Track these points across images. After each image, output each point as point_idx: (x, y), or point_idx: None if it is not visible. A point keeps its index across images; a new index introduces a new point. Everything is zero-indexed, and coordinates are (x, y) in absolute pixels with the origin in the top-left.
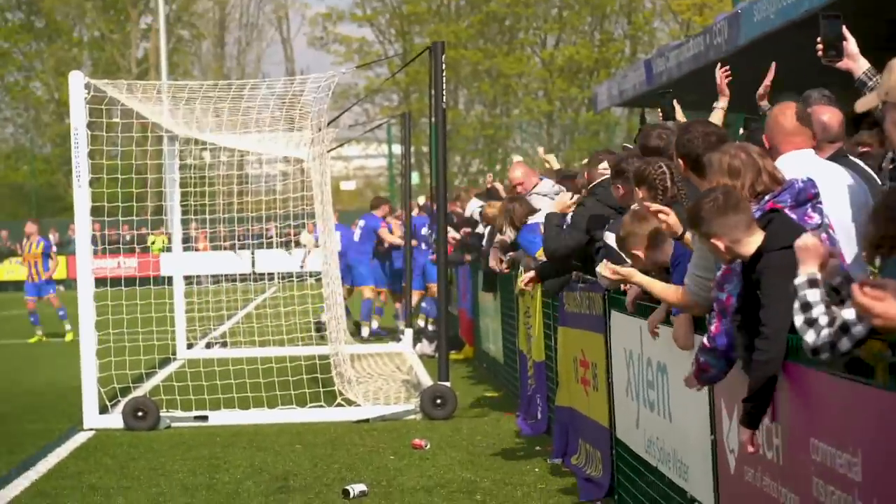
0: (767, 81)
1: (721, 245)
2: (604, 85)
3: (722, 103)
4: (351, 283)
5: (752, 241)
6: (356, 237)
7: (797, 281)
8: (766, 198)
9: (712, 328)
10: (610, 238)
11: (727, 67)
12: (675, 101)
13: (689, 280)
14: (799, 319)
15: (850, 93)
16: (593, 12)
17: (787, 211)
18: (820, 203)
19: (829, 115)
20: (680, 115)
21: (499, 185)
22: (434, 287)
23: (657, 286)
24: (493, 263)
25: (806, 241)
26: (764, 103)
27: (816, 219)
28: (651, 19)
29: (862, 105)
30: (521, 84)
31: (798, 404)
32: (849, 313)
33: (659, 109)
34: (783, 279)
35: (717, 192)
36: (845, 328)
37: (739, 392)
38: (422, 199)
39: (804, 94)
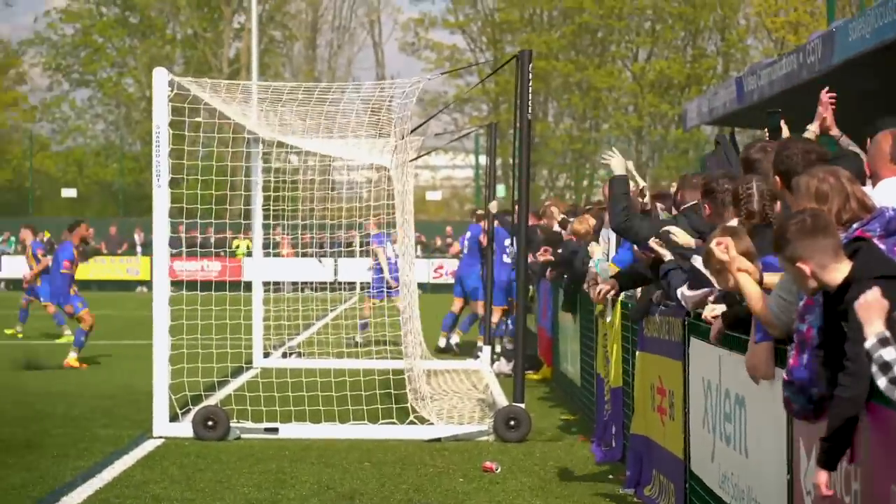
0: (825, 113)
1: (807, 269)
2: (694, 102)
3: (814, 127)
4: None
5: (840, 269)
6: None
7: (868, 344)
8: (855, 226)
9: (791, 360)
10: (698, 261)
11: (833, 94)
12: (782, 121)
13: (772, 300)
14: (882, 382)
15: None
16: (686, 27)
17: (875, 241)
18: None
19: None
20: (787, 134)
21: (553, 208)
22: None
23: (749, 284)
24: (593, 295)
25: (867, 298)
26: (834, 132)
27: None
28: (744, 36)
29: None
30: (611, 98)
31: (880, 447)
32: None
33: (766, 129)
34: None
35: (806, 213)
36: None
37: (819, 430)
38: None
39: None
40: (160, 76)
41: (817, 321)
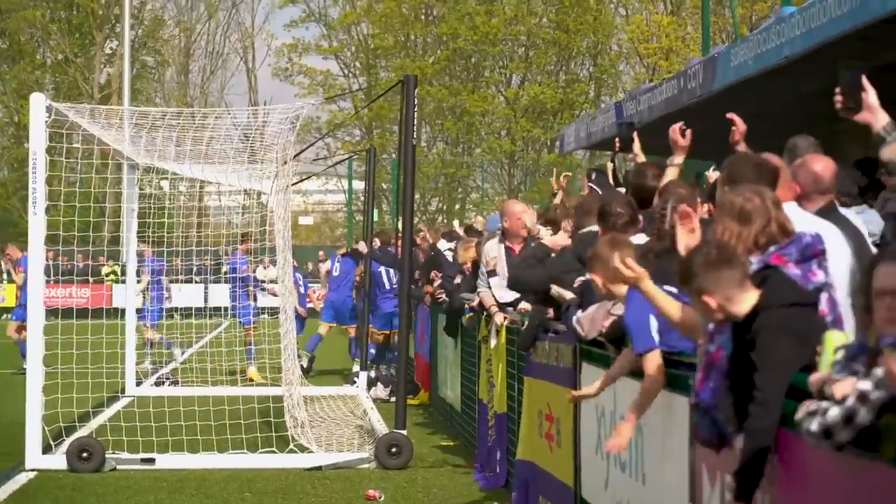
0: (741, 126)
1: (713, 303)
2: (571, 127)
3: (678, 160)
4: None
5: (747, 300)
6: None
7: (798, 416)
8: (771, 249)
9: (697, 384)
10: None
11: (682, 123)
12: (635, 133)
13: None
14: (814, 425)
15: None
16: (560, 53)
17: (791, 265)
18: (826, 261)
19: (822, 166)
20: (637, 147)
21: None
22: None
23: (660, 296)
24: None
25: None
26: (741, 147)
27: (821, 276)
28: (617, 62)
29: (890, 153)
30: (484, 123)
31: (791, 478)
32: (865, 384)
33: (616, 139)
34: (780, 340)
35: (710, 245)
36: (864, 398)
37: (722, 458)
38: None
39: (790, 143)
40: (37, 102)
41: (728, 344)
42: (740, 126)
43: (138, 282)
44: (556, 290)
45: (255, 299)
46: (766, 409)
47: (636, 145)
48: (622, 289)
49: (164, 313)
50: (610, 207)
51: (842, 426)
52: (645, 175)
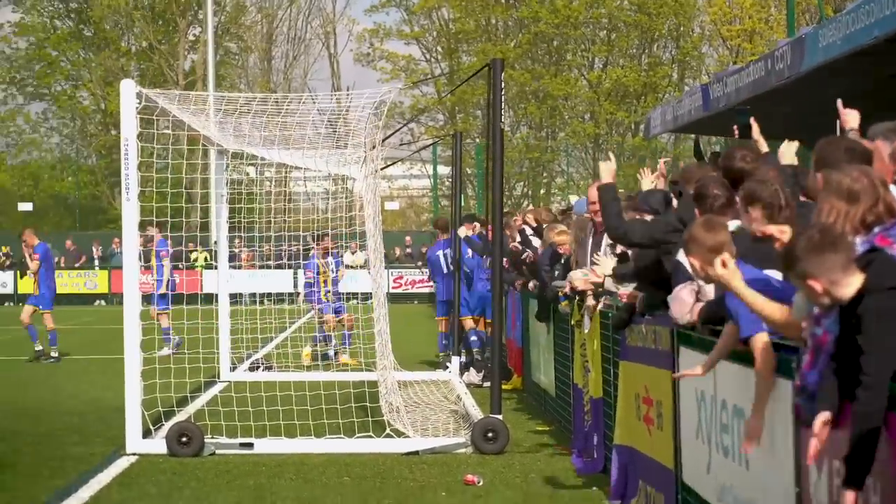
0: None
1: (818, 287)
2: (657, 110)
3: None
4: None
5: (852, 283)
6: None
7: None
8: (876, 230)
9: (804, 365)
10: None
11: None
12: (752, 119)
13: (799, 297)
14: None
15: None
16: (642, 36)
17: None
18: None
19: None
20: (757, 133)
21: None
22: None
23: (759, 300)
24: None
25: None
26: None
27: None
28: (700, 45)
29: None
30: (567, 106)
31: None
32: None
33: (734, 127)
34: (887, 323)
35: (814, 229)
36: None
37: (830, 443)
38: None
39: (870, 130)
40: (128, 88)
41: (834, 328)
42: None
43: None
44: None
45: (334, 284)
46: (874, 392)
47: (755, 131)
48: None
49: (170, 298)
50: (707, 189)
51: None
52: (733, 157)
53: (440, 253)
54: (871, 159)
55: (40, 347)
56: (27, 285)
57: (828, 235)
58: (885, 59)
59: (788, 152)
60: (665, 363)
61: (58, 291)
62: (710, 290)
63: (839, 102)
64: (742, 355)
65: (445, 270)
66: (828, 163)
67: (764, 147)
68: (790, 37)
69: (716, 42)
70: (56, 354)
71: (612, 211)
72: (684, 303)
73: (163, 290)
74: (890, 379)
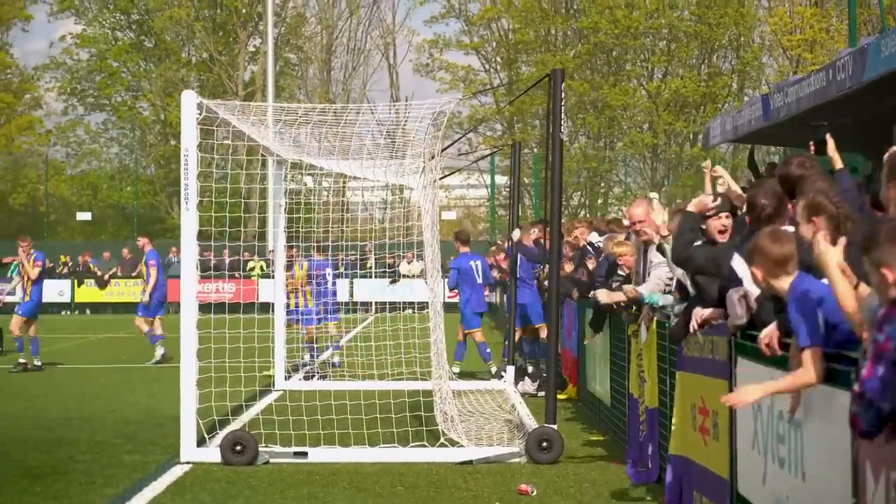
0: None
1: (890, 276)
2: (717, 119)
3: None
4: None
5: None
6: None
7: None
8: None
9: (864, 371)
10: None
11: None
12: (828, 135)
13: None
14: None
15: None
16: (702, 46)
17: None
18: None
19: None
20: (832, 149)
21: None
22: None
23: (786, 382)
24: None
25: None
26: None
27: None
28: (760, 55)
29: None
30: (626, 116)
31: None
32: None
33: (811, 143)
34: None
35: None
36: None
37: (887, 454)
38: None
39: None
40: (189, 99)
41: None
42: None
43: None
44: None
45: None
46: None
47: (831, 147)
48: (784, 283)
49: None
50: (755, 199)
51: None
52: (790, 164)
53: (472, 263)
54: None
55: (23, 360)
56: (87, 294)
57: None
58: None
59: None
60: (722, 373)
61: (115, 300)
62: (754, 294)
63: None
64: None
65: (480, 280)
66: None
67: (839, 164)
68: (851, 47)
69: (776, 52)
70: (39, 363)
71: (685, 239)
72: (735, 306)
73: (146, 299)
74: None
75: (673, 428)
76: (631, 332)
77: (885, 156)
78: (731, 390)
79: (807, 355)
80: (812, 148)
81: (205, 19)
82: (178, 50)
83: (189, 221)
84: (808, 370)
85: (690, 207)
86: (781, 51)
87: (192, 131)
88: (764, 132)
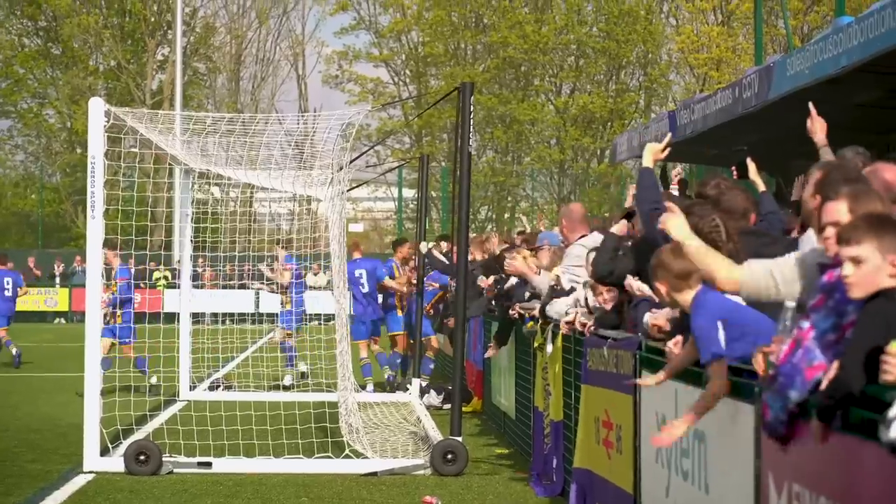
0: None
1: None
2: (624, 136)
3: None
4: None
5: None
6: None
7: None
8: None
9: (780, 356)
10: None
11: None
12: (749, 159)
13: (769, 267)
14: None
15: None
16: (610, 62)
17: None
18: None
19: (893, 174)
20: (754, 173)
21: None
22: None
23: (703, 401)
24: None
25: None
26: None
27: None
28: (667, 72)
29: None
30: (534, 131)
31: (864, 482)
32: None
33: (733, 167)
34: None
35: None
36: None
37: (789, 467)
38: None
39: (838, 154)
40: (96, 106)
41: (823, 324)
42: (817, 120)
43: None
44: (633, 283)
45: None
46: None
47: (752, 171)
48: (687, 296)
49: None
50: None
51: None
52: (705, 185)
53: (357, 272)
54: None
55: None
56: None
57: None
58: (853, 87)
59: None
60: (626, 388)
61: (19, 308)
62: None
63: (811, 106)
64: (703, 380)
65: (366, 290)
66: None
67: (761, 186)
68: (758, 65)
69: (683, 70)
70: None
71: (604, 258)
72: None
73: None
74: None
75: (578, 441)
76: (536, 346)
77: (816, 166)
78: (635, 404)
79: (713, 367)
80: (735, 172)
81: (113, 27)
82: (85, 57)
83: (95, 230)
84: (716, 381)
85: (614, 229)
86: (688, 69)
87: (100, 139)
88: (671, 148)
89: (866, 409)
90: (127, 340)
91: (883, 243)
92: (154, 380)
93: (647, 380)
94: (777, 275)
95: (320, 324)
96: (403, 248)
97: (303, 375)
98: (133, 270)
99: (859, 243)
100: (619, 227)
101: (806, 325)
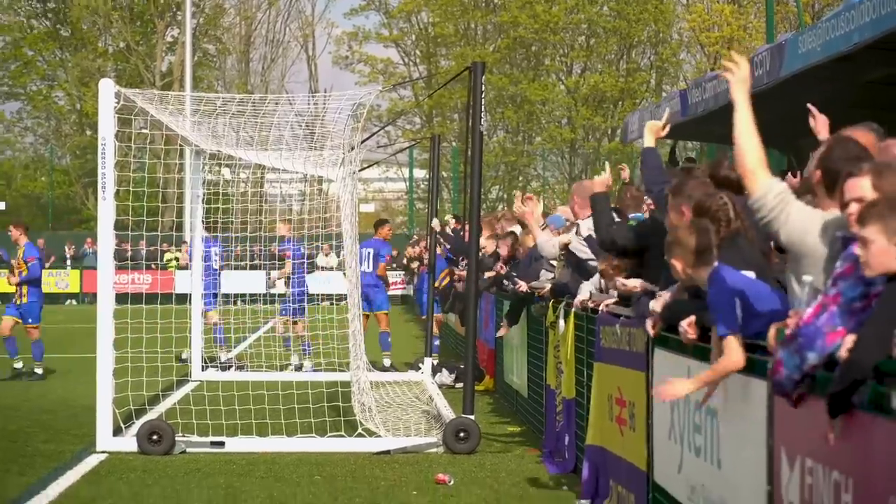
0: (821, 118)
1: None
2: (635, 115)
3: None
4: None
5: None
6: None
7: None
8: None
9: (805, 317)
10: None
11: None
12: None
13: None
14: None
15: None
16: (620, 42)
17: None
18: None
19: None
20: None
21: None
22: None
23: (714, 371)
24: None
25: None
26: (823, 137)
27: None
28: (678, 51)
29: None
30: (545, 111)
31: (874, 458)
32: None
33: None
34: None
35: None
36: None
37: (802, 441)
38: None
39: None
40: (106, 88)
41: (851, 292)
42: (819, 118)
43: None
44: (620, 281)
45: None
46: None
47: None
48: (703, 273)
49: None
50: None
51: None
52: (720, 166)
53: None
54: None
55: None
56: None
57: None
58: (864, 65)
59: None
60: (639, 365)
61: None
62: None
63: (811, 107)
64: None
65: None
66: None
67: None
68: (769, 43)
69: (694, 49)
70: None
71: (604, 221)
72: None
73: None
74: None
75: (590, 419)
76: (548, 324)
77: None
78: (648, 382)
79: (729, 341)
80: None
81: (122, 8)
82: (94, 39)
83: (106, 211)
84: (731, 355)
85: (597, 188)
86: (699, 48)
87: (110, 120)
88: (682, 127)
89: (879, 383)
90: (31, 321)
91: (889, 226)
92: (184, 355)
93: (680, 389)
94: (781, 208)
95: (332, 304)
96: (384, 228)
97: (297, 369)
98: (43, 250)
99: (865, 225)
100: (602, 182)
101: (833, 291)
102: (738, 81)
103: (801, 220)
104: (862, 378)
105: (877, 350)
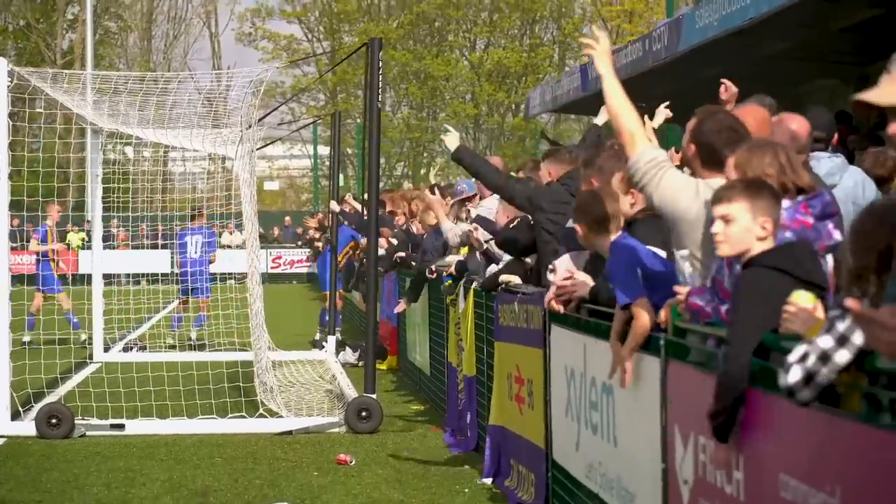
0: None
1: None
2: (537, 90)
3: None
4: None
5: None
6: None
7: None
8: (799, 199)
9: (695, 291)
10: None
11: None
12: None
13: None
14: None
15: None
16: (523, 16)
17: (812, 221)
18: (840, 221)
19: (798, 124)
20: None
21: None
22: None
23: (633, 340)
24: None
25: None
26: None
27: (837, 236)
28: (581, 25)
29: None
30: (448, 87)
31: (764, 435)
32: (825, 342)
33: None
34: (756, 301)
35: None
36: (825, 358)
37: (695, 419)
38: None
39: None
40: (0, 67)
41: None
42: (731, 88)
43: None
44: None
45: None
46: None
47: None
48: (605, 241)
49: None
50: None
51: (802, 385)
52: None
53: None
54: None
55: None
56: None
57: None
58: (760, 40)
59: (658, 120)
60: (536, 342)
61: None
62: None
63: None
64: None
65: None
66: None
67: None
68: (668, 18)
69: (596, 23)
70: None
71: (486, 168)
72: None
73: None
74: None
75: (493, 399)
76: (449, 301)
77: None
78: (545, 359)
79: (635, 309)
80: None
81: None
82: None
83: (1, 192)
84: (640, 319)
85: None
86: (601, 22)
87: (3, 99)
88: (582, 102)
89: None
90: None
91: (756, 205)
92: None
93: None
94: (654, 173)
95: (234, 283)
96: (200, 219)
97: (192, 347)
98: None
99: (730, 202)
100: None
101: (723, 278)
102: (601, 54)
103: (673, 185)
104: (741, 395)
105: (743, 355)
